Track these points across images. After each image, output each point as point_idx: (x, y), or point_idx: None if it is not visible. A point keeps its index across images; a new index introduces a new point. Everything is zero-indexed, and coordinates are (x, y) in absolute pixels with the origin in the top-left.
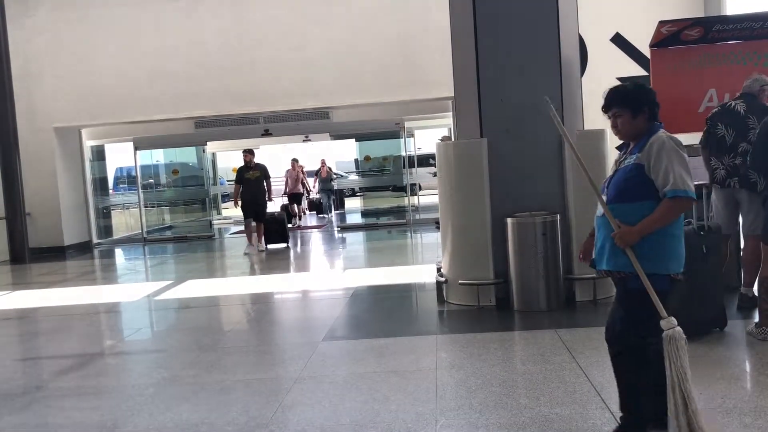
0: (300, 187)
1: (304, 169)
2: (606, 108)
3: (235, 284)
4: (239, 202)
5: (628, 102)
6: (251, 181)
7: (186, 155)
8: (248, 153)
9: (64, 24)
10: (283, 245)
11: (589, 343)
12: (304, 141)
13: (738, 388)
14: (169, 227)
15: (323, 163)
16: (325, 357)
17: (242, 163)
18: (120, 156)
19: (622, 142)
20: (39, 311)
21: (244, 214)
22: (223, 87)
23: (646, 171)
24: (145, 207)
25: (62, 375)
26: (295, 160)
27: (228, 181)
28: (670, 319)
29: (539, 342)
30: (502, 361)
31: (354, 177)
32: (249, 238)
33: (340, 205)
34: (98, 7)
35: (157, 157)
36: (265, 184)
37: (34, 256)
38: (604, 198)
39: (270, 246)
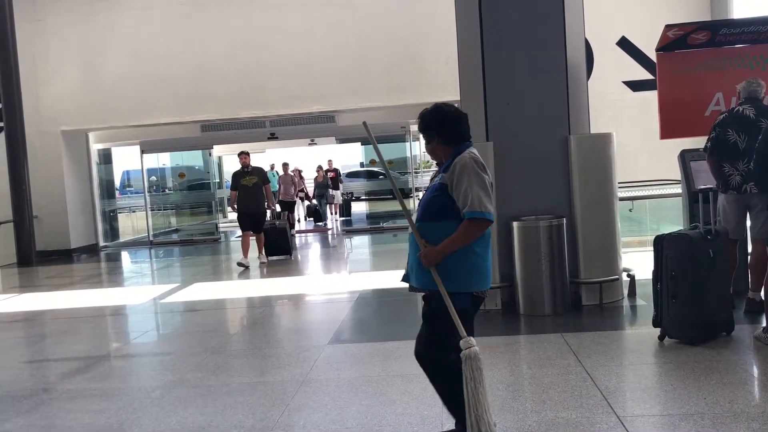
0: (293, 193)
1: (302, 173)
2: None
3: (241, 287)
4: (234, 208)
5: (420, 128)
6: (248, 188)
7: (192, 159)
8: (245, 155)
9: (72, 28)
10: (285, 257)
11: (595, 347)
12: (309, 144)
13: (746, 393)
14: (176, 230)
15: (328, 165)
16: (331, 360)
17: (239, 167)
18: (126, 159)
19: None
20: (46, 314)
21: (240, 226)
22: (229, 91)
23: (449, 191)
24: (152, 210)
25: (69, 377)
26: (286, 165)
27: None
28: (468, 339)
29: (545, 346)
30: (507, 365)
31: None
32: (245, 250)
33: (345, 211)
34: (105, 11)
35: (164, 160)
36: (264, 190)
37: (41, 258)
38: (416, 216)
39: (271, 258)
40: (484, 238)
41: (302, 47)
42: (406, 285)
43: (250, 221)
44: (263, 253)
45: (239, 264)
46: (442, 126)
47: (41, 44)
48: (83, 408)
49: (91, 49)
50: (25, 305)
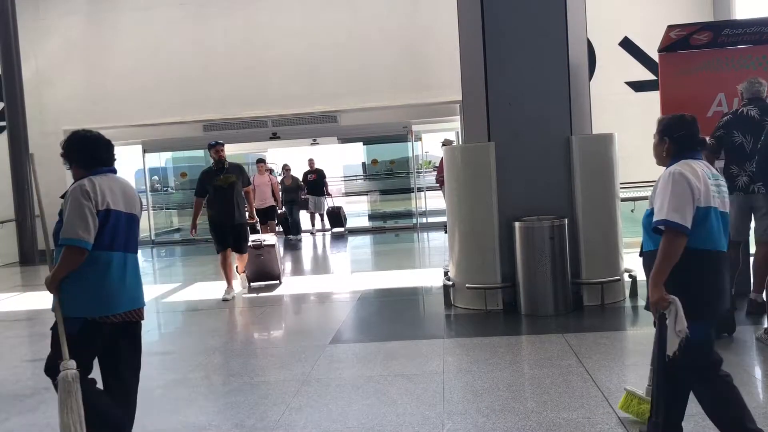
0: (271, 198)
1: (272, 172)
2: None
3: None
4: (196, 227)
5: (61, 154)
6: (224, 191)
7: (194, 158)
8: (219, 147)
9: (75, 28)
10: (275, 282)
11: (596, 347)
12: (311, 144)
13: (747, 393)
14: (178, 230)
15: (310, 165)
16: (333, 360)
17: (212, 165)
18: (129, 159)
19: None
20: (48, 312)
21: (216, 243)
22: (231, 90)
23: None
24: (154, 210)
25: None
26: (262, 162)
27: None
28: (67, 362)
29: (546, 346)
30: (509, 365)
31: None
32: (228, 276)
33: (334, 221)
34: (108, 11)
35: (166, 159)
36: (243, 193)
37: (44, 258)
38: None
39: (257, 284)
40: (98, 264)
41: (304, 47)
42: (408, 285)
43: (229, 236)
44: (244, 279)
45: (224, 300)
46: (76, 151)
47: (44, 44)
48: None
49: (93, 49)
50: (27, 304)
